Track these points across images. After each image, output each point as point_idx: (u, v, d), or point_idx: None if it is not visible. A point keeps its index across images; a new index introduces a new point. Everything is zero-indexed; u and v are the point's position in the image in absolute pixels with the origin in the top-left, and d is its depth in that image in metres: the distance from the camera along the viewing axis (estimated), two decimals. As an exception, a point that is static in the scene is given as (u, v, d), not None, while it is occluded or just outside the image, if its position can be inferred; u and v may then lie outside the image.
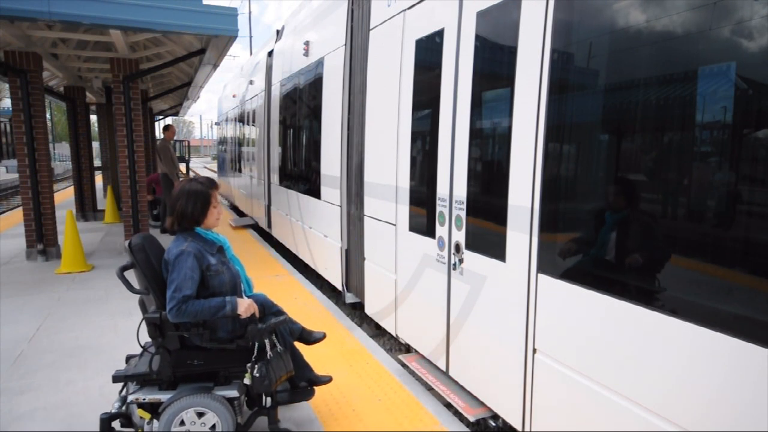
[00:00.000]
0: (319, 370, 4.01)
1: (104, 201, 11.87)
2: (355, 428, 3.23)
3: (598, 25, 2.40)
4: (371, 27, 4.70)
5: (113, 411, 2.80)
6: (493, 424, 3.29)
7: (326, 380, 3.30)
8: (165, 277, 2.72)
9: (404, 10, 4.07)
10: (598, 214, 2.47)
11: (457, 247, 3.42)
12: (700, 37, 1.96)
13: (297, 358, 3.13)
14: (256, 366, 2.70)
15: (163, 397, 2.73)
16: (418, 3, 3.87)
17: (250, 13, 53.35)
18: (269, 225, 9.58)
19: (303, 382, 3.15)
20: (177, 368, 2.78)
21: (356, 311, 5.93)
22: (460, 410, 3.30)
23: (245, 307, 2.73)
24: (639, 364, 2.16)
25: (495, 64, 3.15)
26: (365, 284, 5.08)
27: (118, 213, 11.09)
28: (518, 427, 2.93)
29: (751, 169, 1.84)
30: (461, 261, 3.39)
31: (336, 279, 5.97)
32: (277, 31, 9.22)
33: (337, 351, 4.41)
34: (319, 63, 6.18)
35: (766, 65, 1.76)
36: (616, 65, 2.36)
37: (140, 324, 2.76)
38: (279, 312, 3.10)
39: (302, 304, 5.73)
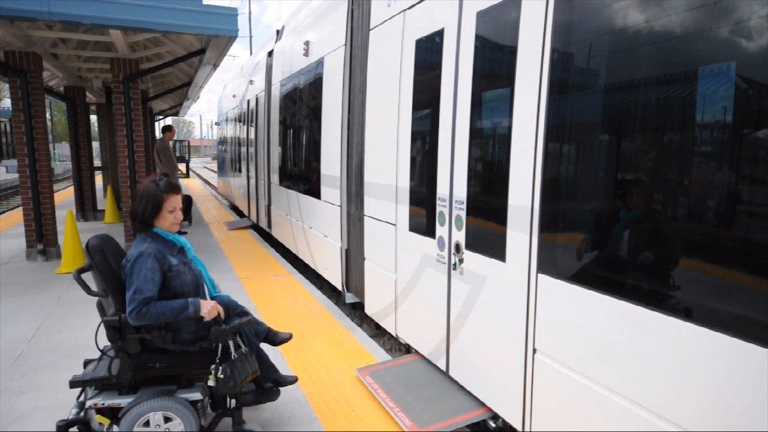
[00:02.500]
0: (319, 370, 4.03)
1: (104, 201, 11.87)
2: (355, 428, 3.23)
3: (598, 26, 2.40)
4: (371, 27, 4.70)
5: (70, 417, 2.72)
6: (493, 424, 3.28)
7: (292, 380, 3.25)
8: (124, 279, 2.65)
9: (404, 10, 4.07)
10: (598, 214, 2.47)
11: (457, 247, 3.41)
12: (700, 37, 1.96)
13: (262, 358, 3.09)
14: (221, 368, 2.64)
15: (123, 401, 2.66)
16: (418, 3, 3.87)
17: (250, 13, 53.31)
18: (269, 225, 9.58)
19: (268, 383, 3.11)
20: (138, 372, 2.71)
21: (356, 311, 5.93)
22: (406, 429, 3.15)
23: (208, 308, 2.68)
24: (639, 364, 2.16)
25: (495, 64, 3.15)
26: (365, 284, 5.08)
27: (118, 213, 11.08)
28: (518, 427, 2.92)
29: (748, 168, 1.84)
30: (461, 261, 3.38)
31: (336, 279, 5.97)
32: (277, 31, 9.22)
33: (337, 351, 4.41)
34: (319, 63, 6.18)
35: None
36: (616, 65, 2.36)
37: (98, 327, 2.68)
38: (243, 312, 3.03)
39: (302, 304, 5.73)
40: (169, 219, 2.80)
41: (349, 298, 5.66)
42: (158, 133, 14.81)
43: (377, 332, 5.37)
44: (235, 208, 14.60)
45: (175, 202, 2.82)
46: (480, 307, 3.24)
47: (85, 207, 11.62)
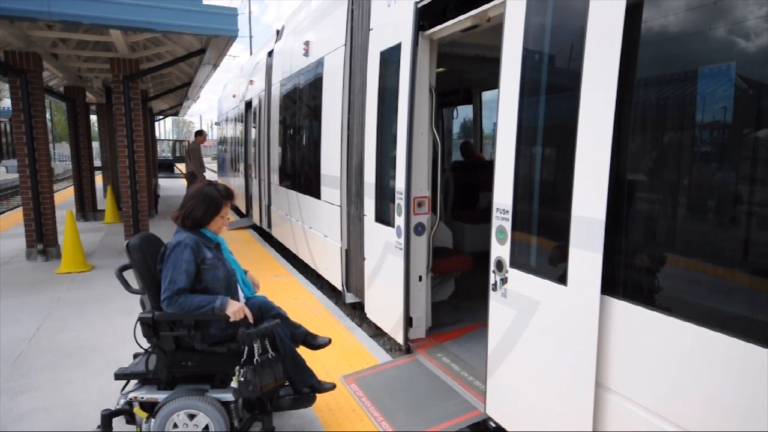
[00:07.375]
0: (319, 370, 4.01)
1: (104, 201, 11.87)
2: (355, 428, 3.23)
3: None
4: (371, 27, 4.70)
5: (116, 407, 2.81)
6: (493, 425, 3.28)
7: (329, 387, 3.15)
8: (159, 269, 2.75)
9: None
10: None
11: (499, 265, 2.90)
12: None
13: (299, 363, 3.03)
14: (242, 370, 2.65)
15: (160, 396, 2.74)
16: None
17: (250, 13, 53.22)
18: (269, 225, 9.58)
19: (305, 388, 3.06)
20: (172, 368, 2.79)
21: (356, 311, 5.93)
22: None
23: (235, 309, 2.68)
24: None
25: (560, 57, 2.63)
26: (365, 284, 5.08)
27: (118, 213, 11.08)
28: None
29: None
30: (504, 281, 2.88)
31: (336, 279, 5.97)
32: (277, 31, 9.22)
33: (337, 351, 4.41)
34: (319, 63, 6.18)
35: None
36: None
37: (136, 324, 2.77)
38: (276, 315, 3.00)
39: (302, 304, 5.73)
40: (219, 223, 2.93)
41: (349, 298, 5.66)
42: (159, 134, 14.98)
43: (377, 332, 5.37)
44: (235, 208, 14.58)
45: (228, 208, 2.97)
46: (529, 336, 2.71)
47: (85, 207, 11.62)
